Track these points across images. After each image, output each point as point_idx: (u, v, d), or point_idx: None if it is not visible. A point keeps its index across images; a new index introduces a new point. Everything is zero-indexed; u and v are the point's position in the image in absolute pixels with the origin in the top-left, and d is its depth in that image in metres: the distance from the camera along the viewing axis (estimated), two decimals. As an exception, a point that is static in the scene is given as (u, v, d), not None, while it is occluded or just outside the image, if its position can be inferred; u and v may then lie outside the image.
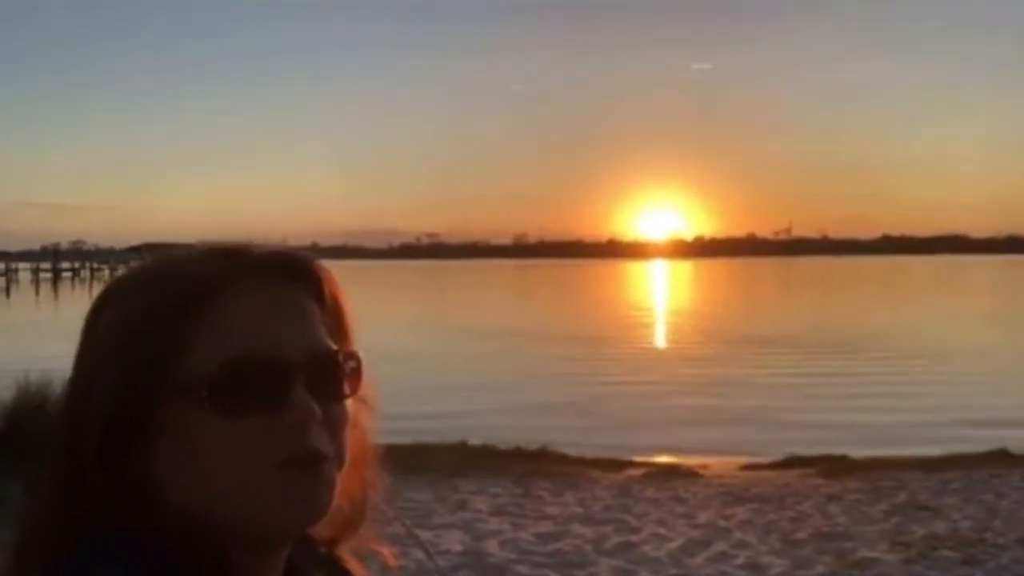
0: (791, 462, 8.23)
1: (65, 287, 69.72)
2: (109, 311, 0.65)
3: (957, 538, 5.18)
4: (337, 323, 0.69)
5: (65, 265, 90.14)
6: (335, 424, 0.64)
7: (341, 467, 0.65)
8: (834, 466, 7.73)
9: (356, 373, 0.67)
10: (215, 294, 0.63)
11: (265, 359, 0.61)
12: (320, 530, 0.70)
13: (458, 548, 5.08)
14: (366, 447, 0.72)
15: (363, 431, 0.71)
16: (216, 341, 0.62)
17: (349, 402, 0.66)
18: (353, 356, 0.67)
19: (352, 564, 0.76)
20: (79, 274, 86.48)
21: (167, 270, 0.66)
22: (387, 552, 0.78)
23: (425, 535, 5.35)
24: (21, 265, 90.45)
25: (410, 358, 18.58)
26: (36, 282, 69.78)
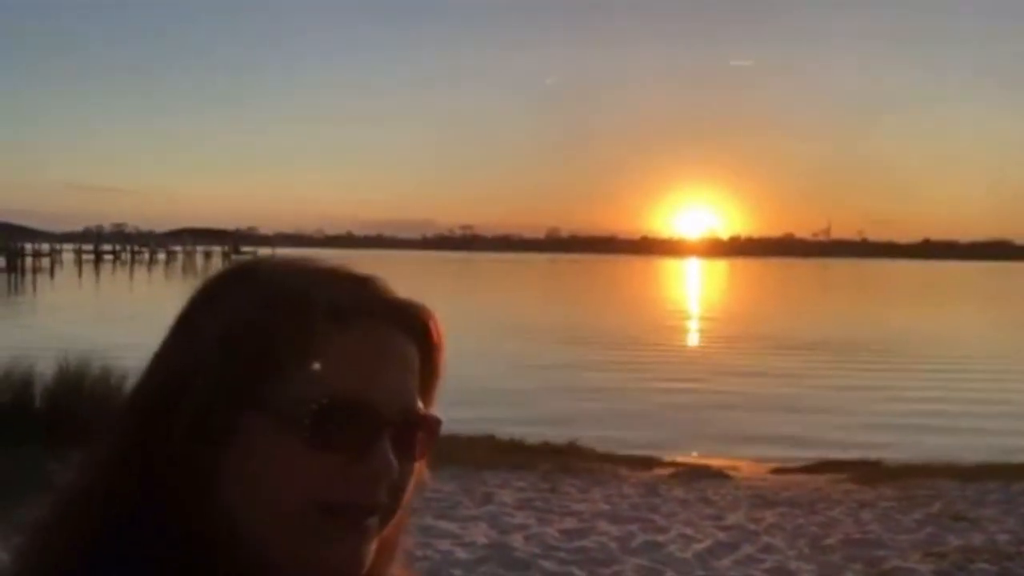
0: (823, 466, 8.11)
1: (106, 269, 71.23)
2: (216, 308, 0.64)
3: (993, 551, 5.05)
4: (430, 379, 0.68)
5: (107, 247, 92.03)
6: (401, 483, 0.64)
7: (387, 524, 0.64)
8: (867, 472, 7.60)
9: (432, 437, 0.66)
10: (337, 327, 0.62)
11: (367, 405, 0.61)
12: None
13: (483, 541, 5.08)
14: (408, 502, 0.71)
15: (417, 484, 0.70)
16: (325, 371, 0.60)
17: (418, 464, 0.66)
18: (436, 421, 0.67)
19: None
20: (120, 257, 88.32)
21: (298, 282, 0.64)
22: None
23: (451, 527, 5.37)
24: (65, 246, 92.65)
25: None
26: (79, 263, 71.43)
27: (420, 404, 0.65)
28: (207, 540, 0.59)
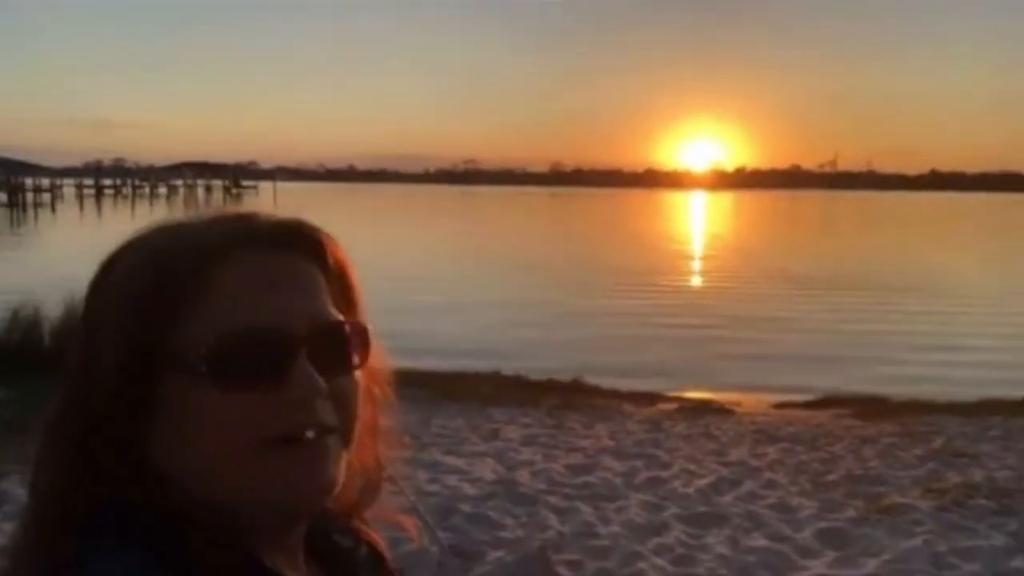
0: (826, 402, 8.17)
1: (107, 204, 70.97)
2: (107, 284, 0.63)
3: (993, 487, 5.12)
4: (344, 293, 0.67)
5: (107, 182, 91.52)
6: (342, 397, 0.62)
7: (350, 440, 0.64)
8: (870, 408, 7.66)
9: (364, 344, 0.65)
10: (215, 264, 0.61)
11: (266, 332, 0.60)
12: (335, 502, 0.69)
13: (490, 477, 5.16)
14: (379, 418, 0.71)
15: (375, 402, 0.70)
16: (215, 313, 0.60)
17: (359, 373, 0.65)
18: (360, 326, 0.65)
19: (371, 533, 0.75)
20: (121, 191, 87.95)
21: (168, 240, 0.63)
22: (407, 523, 0.77)
23: (458, 463, 5.46)
24: (66, 181, 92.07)
25: (445, 288, 18.70)
26: (80, 198, 71.14)
27: (339, 315, 0.64)
28: (168, 512, 0.58)
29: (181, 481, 0.59)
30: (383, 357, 0.70)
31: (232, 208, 0.66)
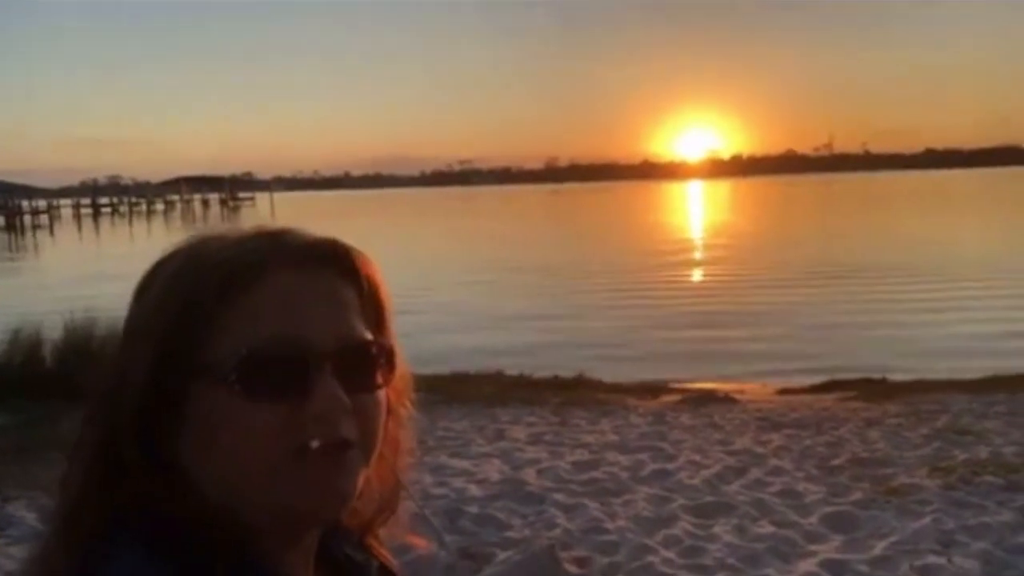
0: (829, 386, 8.18)
1: (105, 222, 71.02)
2: (150, 292, 0.66)
3: (1000, 464, 5.12)
4: (375, 312, 0.68)
5: (104, 200, 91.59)
6: (365, 414, 0.64)
7: (370, 457, 0.65)
8: (873, 389, 7.66)
9: (390, 363, 0.67)
10: (251, 279, 0.63)
11: (294, 345, 0.61)
12: (351, 517, 0.71)
13: (496, 477, 5.17)
14: (401, 437, 0.72)
15: (399, 422, 0.72)
16: (247, 325, 0.62)
17: (382, 392, 0.66)
18: (387, 347, 0.67)
19: (382, 552, 0.77)
20: (118, 209, 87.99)
21: (206, 253, 0.65)
22: (420, 542, 0.78)
23: (464, 464, 5.46)
24: (63, 202, 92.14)
25: (446, 291, 18.71)
26: (77, 218, 71.28)
27: (367, 334, 0.65)
28: (197, 518, 0.60)
29: (202, 487, 0.61)
30: (406, 375, 0.71)
31: (267, 225, 0.68)
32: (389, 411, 0.68)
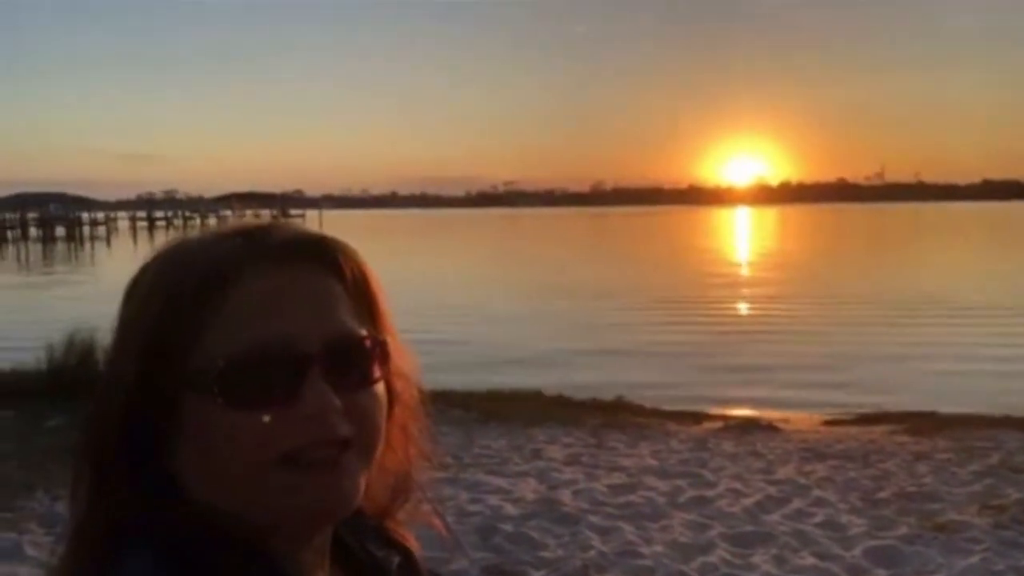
0: (877, 418, 7.96)
1: (160, 235, 72.87)
2: (128, 306, 0.65)
3: (1054, 503, 4.92)
4: (366, 304, 0.66)
5: (159, 214, 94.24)
6: (361, 411, 0.62)
7: (371, 454, 0.64)
8: (923, 423, 7.44)
9: (384, 356, 0.65)
10: (228, 283, 0.61)
11: (276, 351, 0.59)
12: (367, 505, 0.70)
13: (532, 496, 5.14)
14: (410, 424, 0.71)
15: (407, 407, 0.70)
16: (227, 333, 0.60)
17: (381, 385, 0.65)
18: (379, 339, 0.65)
19: (404, 535, 0.75)
20: (173, 223, 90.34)
21: (181, 258, 0.64)
22: (439, 524, 0.77)
23: (500, 483, 5.45)
24: (120, 214, 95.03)
25: (489, 311, 18.76)
26: (134, 230, 73.38)
27: (357, 329, 0.63)
28: (199, 528, 0.60)
29: (203, 495, 0.61)
30: (412, 362, 0.70)
31: (249, 221, 0.66)
32: (395, 399, 0.67)
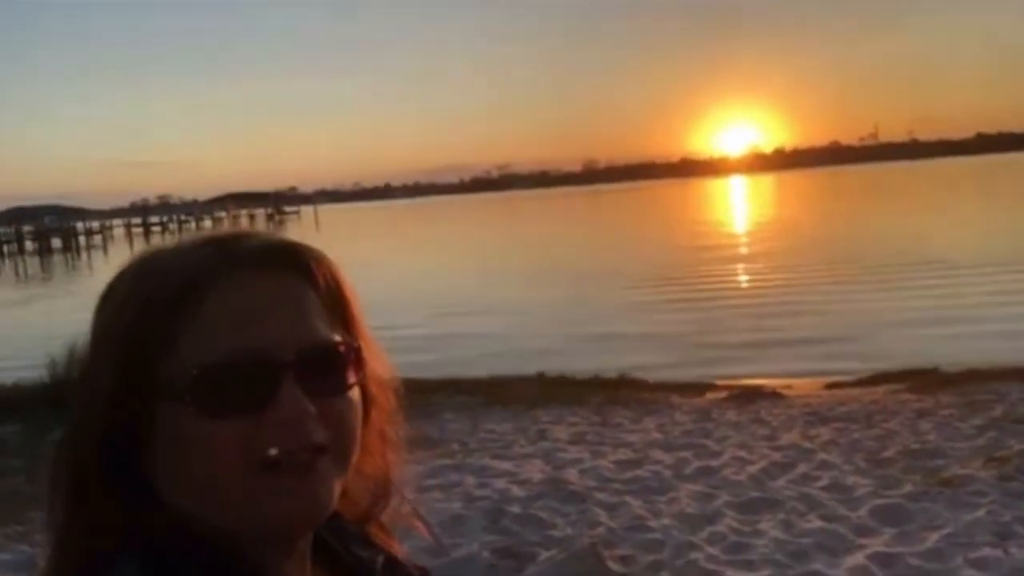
0: (878, 378, 7.98)
1: (156, 240, 72.77)
2: (102, 315, 0.65)
3: (1058, 452, 4.95)
4: (339, 310, 0.67)
5: (154, 220, 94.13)
6: (335, 417, 0.62)
7: (347, 460, 0.64)
8: (925, 380, 7.46)
9: (359, 361, 0.65)
10: (200, 292, 0.61)
11: (249, 359, 0.60)
12: (348, 511, 0.71)
13: (539, 477, 5.17)
14: (387, 428, 0.72)
15: (383, 411, 0.71)
16: (200, 342, 0.60)
17: (357, 390, 0.65)
18: (353, 344, 0.65)
19: (385, 538, 0.76)
20: (168, 228, 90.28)
21: (155, 266, 0.64)
22: (422, 526, 0.78)
23: (506, 466, 5.47)
24: (115, 222, 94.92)
25: (486, 297, 18.76)
26: (129, 237, 73.31)
27: (331, 335, 0.63)
28: (177, 537, 0.60)
29: (180, 502, 0.61)
30: (387, 366, 0.70)
31: (223, 229, 0.67)
32: (371, 404, 0.68)
